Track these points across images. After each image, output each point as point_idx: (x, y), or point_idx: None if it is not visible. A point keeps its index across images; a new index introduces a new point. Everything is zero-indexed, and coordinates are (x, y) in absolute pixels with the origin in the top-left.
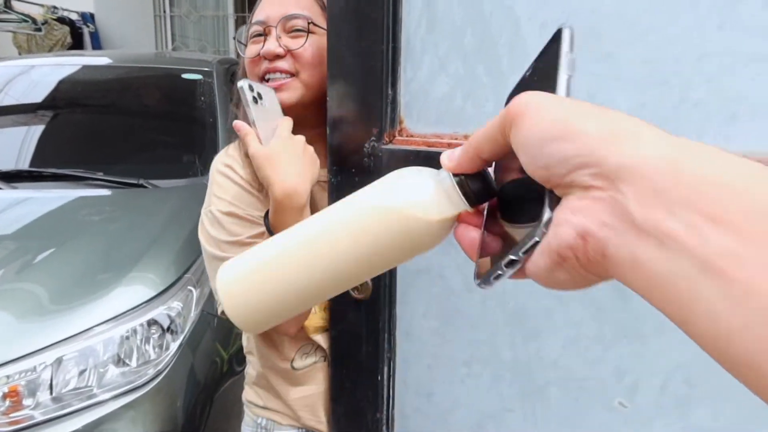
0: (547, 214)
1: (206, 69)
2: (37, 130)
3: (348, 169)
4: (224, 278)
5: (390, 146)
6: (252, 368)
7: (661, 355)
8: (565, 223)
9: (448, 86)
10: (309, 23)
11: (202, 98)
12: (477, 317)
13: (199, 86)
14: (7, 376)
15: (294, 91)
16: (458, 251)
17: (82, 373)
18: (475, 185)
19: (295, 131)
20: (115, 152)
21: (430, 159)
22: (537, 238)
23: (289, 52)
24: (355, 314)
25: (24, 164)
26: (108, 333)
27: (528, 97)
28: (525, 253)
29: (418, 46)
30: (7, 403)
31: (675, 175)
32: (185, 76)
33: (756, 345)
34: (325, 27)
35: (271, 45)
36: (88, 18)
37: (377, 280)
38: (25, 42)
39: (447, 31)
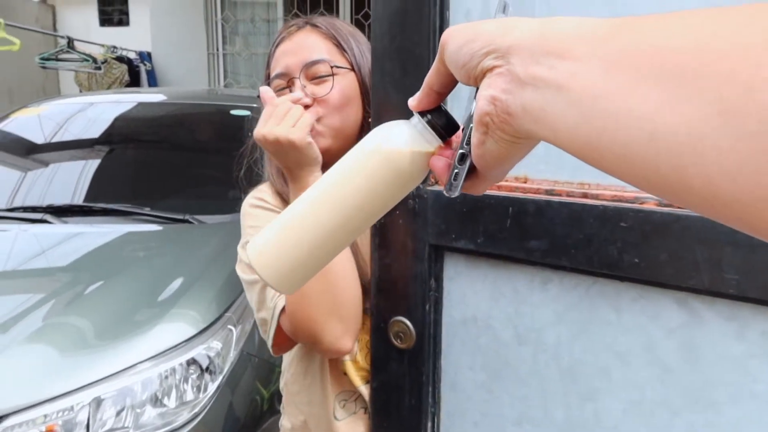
0: (474, 103)
1: (255, 105)
2: (92, 165)
3: (392, 211)
4: (253, 246)
5: (435, 188)
6: (287, 421)
7: (738, 426)
8: (481, 98)
9: None
10: (332, 67)
11: (250, 134)
12: (528, 372)
13: (247, 122)
14: (45, 416)
15: (324, 139)
16: (508, 300)
17: (119, 413)
18: (439, 120)
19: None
20: (163, 187)
21: (477, 202)
22: (471, 124)
23: (315, 99)
24: (398, 364)
25: (79, 199)
26: (147, 372)
27: (451, 27)
28: (467, 143)
29: (464, 87)
30: None
31: (541, 40)
32: (234, 112)
33: (590, 132)
34: (345, 65)
35: (299, 95)
36: (145, 57)
37: (421, 329)
38: (86, 80)
39: None
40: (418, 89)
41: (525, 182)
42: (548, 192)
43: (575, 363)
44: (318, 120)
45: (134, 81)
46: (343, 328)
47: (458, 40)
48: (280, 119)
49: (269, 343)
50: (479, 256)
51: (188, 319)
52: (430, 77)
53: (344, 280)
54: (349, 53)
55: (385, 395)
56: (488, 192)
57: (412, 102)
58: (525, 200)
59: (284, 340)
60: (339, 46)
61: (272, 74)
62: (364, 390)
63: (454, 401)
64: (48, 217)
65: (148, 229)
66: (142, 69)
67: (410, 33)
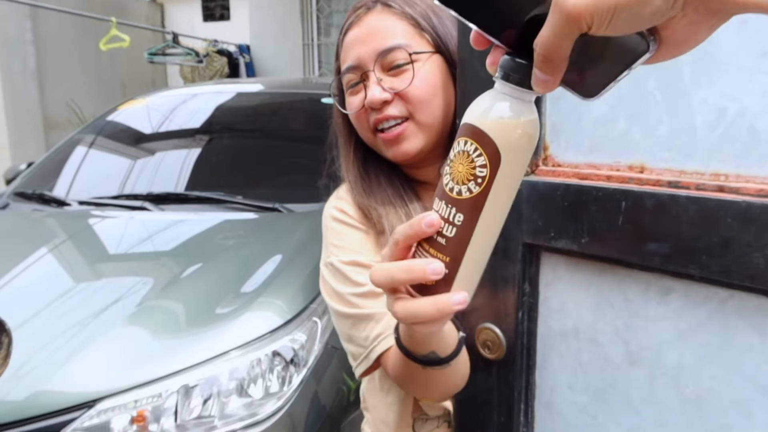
0: None
1: None
2: (190, 154)
3: None
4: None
5: (532, 178)
6: (368, 427)
7: None
8: None
9: (607, 104)
10: (410, 54)
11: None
12: (641, 398)
13: (328, 110)
14: (135, 401)
15: (415, 138)
16: (617, 311)
17: (206, 401)
18: (522, 72)
19: (420, 173)
20: (256, 175)
21: (582, 195)
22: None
23: (396, 94)
24: (486, 377)
25: (177, 187)
26: (235, 362)
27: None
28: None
29: None
30: (134, 427)
31: None
32: (324, 100)
33: None
34: (426, 49)
35: (376, 92)
36: (244, 49)
37: (512, 339)
38: (189, 73)
39: None
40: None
41: (641, 172)
42: (672, 184)
43: (703, 393)
44: (403, 120)
45: (233, 73)
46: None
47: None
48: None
49: (355, 372)
50: (583, 259)
51: (275, 308)
52: (552, 46)
53: (463, 377)
54: (431, 32)
55: (471, 410)
56: (595, 183)
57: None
58: (642, 193)
59: (372, 370)
60: (418, 25)
61: (343, 67)
62: (448, 402)
63: (549, 423)
64: (147, 204)
65: (243, 218)
66: (241, 61)
67: None
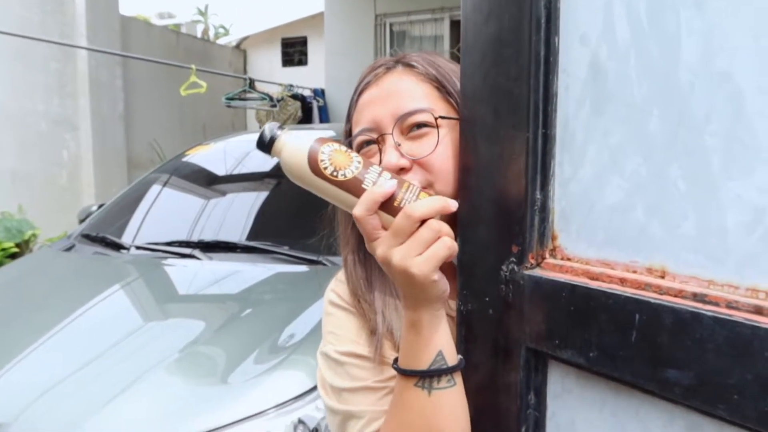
0: None
1: None
2: (245, 201)
3: (480, 296)
4: None
5: (536, 272)
6: None
7: None
8: None
9: (623, 192)
10: (436, 118)
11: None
12: None
13: None
14: None
15: None
16: None
17: None
18: None
19: None
20: (304, 225)
21: (590, 299)
22: None
23: (416, 162)
24: None
25: (233, 235)
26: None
27: None
28: None
29: (579, 134)
30: None
31: None
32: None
33: None
34: (451, 114)
35: (392, 157)
36: (319, 93)
37: None
38: (264, 117)
39: (623, 113)
40: (514, 141)
41: (662, 277)
42: (697, 297)
43: None
44: (423, 188)
45: (307, 117)
46: None
47: None
48: (404, 238)
49: None
50: (593, 374)
51: (306, 367)
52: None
53: (466, 415)
54: (456, 97)
55: None
56: (607, 286)
57: None
58: (660, 306)
59: None
60: (442, 88)
61: (355, 130)
62: None
63: None
64: (197, 252)
65: (295, 270)
66: (314, 105)
67: (506, 66)
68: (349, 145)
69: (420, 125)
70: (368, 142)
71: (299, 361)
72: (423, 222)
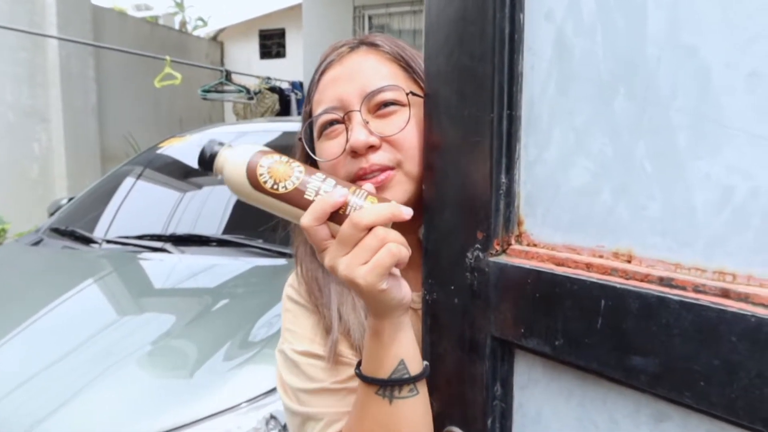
0: None
1: None
2: (219, 195)
3: (446, 285)
4: None
5: (501, 259)
6: None
7: None
8: None
9: (589, 173)
10: (407, 94)
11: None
12: None
13: None
14: None
15: (401, 188)
16: None
17: None
18: None
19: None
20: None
21: (555, 286)
22: None
23: (385, 139)
24: None
25: (205, 228)
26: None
27: None
28: None
29: (545, 115)
30: None
31: None
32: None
33: None
34: (419, 92)
35: (361, 135)
36: (297, 86)
37: None
38: (241, 110)
39: (588, 91)
40: (478, 123)
41: (629, 261)
42: (663, 281)
43: None
44: (391, 167)
45: (285, 110)
46: None
47: None
48: (349, 248)
49: None
50: (560, 363)
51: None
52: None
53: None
54: (421, 76)
55: None
56: (572, 272)
57: None
58: (625, 291)
59: None
60: (408, 68)
61: (317, 110)
62: None
63: None
64: (168, 246)
65: (274, 264)
66: (293, 98)
67: (470, 45)
68: (310, 128)
69: (388, 103)
70: (332, 123)
71: (271, 356)
72: (371, 230)
